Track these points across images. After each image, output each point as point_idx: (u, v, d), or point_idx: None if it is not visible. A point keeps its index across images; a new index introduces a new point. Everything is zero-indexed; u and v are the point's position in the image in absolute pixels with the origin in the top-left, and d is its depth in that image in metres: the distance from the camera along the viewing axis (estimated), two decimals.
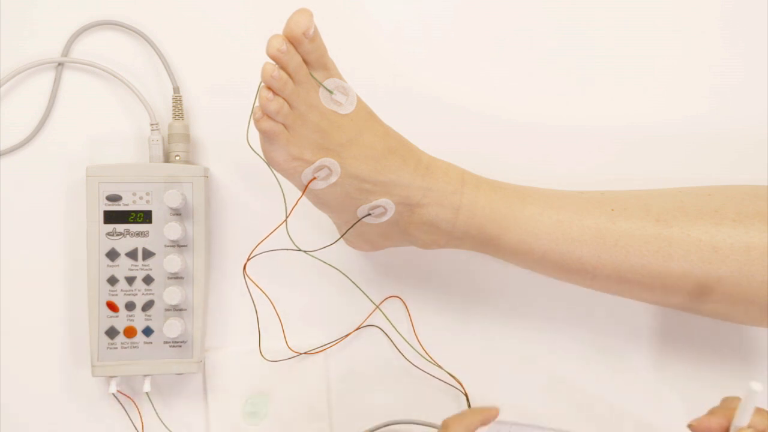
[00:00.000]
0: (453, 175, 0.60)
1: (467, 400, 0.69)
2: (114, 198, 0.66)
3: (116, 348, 0.66)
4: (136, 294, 0.66)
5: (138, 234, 0.66)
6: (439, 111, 0.71)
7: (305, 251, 0.63)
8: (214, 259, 0.70)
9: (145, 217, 0.66)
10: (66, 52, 0.69)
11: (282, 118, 0.53)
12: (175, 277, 0.67)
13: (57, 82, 0.70)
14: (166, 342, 0.67)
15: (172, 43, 0.70)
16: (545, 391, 0.70)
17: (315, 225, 0.69)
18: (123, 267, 0.66)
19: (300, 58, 0.52)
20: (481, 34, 0.71)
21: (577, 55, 0.71)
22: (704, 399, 0.69)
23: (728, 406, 0.60)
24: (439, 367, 0.70)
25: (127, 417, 0.69)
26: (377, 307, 0.70)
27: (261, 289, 0.66)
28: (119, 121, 0.70)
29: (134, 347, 0.67)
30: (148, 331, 0.67)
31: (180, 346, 0.67)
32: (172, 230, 0.65)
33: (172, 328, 0.66)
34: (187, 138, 0.69)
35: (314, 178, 0.56)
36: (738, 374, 0.70)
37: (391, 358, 0.71)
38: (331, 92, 0.55)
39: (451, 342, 0.71)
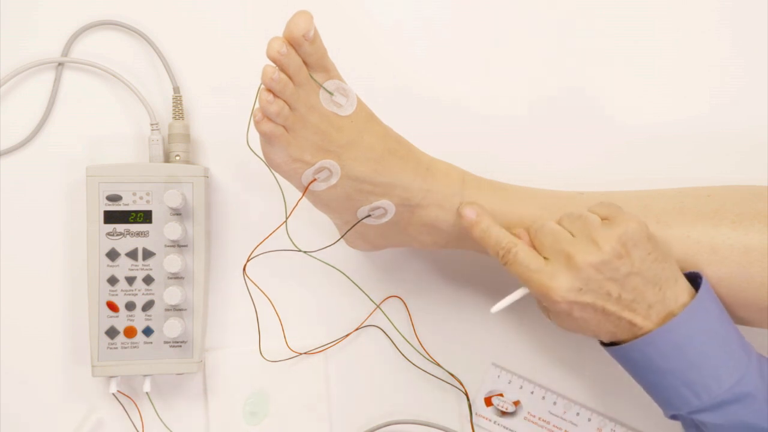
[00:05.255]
0: (453, 176, 0.60)
1: (467, 399, 0.70)
2: (114, 198, 0.66)
3: (116, 348, 0.66)
4: (137, 294, 0.66)
5: (138, 234, 0.66)
6: (439, 111, 0.71)
7: (305, 251, 0.63)
8: (214, 259, 0.70)
9: (145, 217, 0.66)
10: (66, 52, 0.69)
11: (282, 120, 0.53)
12: (175, 277, 0.67)
13: (57, 82, 0.69)
14: (166, 342, 0.67)
15: (172, 43, 0.70)
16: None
17: (315, 225, 0.69)
18: (123, 267, 0.66)
19: (300, 60, 0.52)
20: (480, 34, 0.71)
21: (576, 55, 0.71)
22: None
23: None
24: (440, 366, 0.70)
25: (127, 417, 0.69)
26: (377, 306, 0.70)
27: (261, 290, 0.66)
28: (119, 121, 0.70)
29: (134, 347, 0.67)
30: (148, 331, 0.67)
31: (180, 346, 0.67)
32: (172, 230, 0.65)
33: (172, 328, 0.66)
34: (187, 138, 0.69)
35: (314, 180, 0.56)
36: None
37: (391, 358, 0.71)
38: (331, 94, 0.55)
39: (451, 342, 0.71)
